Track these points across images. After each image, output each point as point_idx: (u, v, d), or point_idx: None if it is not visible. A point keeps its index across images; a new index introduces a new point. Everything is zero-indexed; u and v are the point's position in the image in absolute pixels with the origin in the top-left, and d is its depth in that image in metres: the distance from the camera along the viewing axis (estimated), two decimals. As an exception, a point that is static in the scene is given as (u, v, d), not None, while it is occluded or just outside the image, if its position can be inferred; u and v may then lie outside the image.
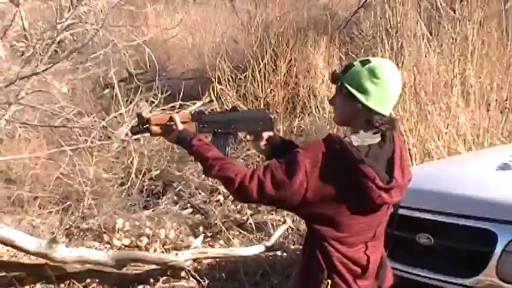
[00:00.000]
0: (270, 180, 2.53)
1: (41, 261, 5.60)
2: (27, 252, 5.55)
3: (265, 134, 2.99)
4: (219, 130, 2.92)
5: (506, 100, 7.52)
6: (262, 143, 2.99)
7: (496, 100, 7.40)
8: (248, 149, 8.25)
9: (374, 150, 2.58)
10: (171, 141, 2.89)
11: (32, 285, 5.62)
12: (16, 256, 5.91)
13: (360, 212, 2.59)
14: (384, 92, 2.58)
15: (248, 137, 3.05)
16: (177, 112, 3.03)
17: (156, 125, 2.85)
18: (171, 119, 2.84)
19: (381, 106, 2.59)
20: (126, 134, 7.62)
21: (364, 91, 2.58)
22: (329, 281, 2.59)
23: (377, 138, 2.61)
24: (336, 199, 2.54)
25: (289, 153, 2.61)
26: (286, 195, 2.53)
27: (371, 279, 2.69)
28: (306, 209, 2.59)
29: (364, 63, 2.62)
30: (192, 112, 2.94)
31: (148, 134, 2.94)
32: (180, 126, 2.82)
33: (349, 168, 2.52)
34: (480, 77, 7.65)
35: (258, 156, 8.18)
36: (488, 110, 7.25)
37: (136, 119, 2.90)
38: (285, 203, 2.60)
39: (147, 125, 2.85)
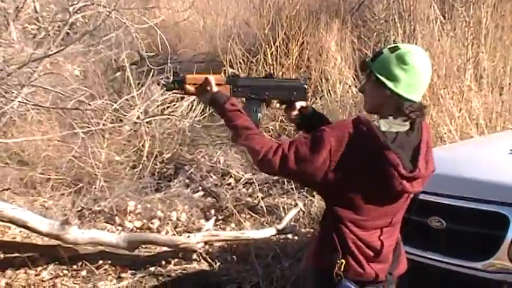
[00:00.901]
0: (293, 155, 2.54)
1: (54, 242, 5.65)
2: (39, 233, 5.60)
3: (298, 104, 2.98)
4: (253, 96, 2.93)
5: (520, 84, 7.47)
6: (295, 112, 3.00)
7: (510, 84, 7.35)
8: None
9: (401, 138, 2.58)
10: (204, 102, 2.91)
11: (44, 266, 5.67)
12: (29, 237, 5.95)
13: (380, 197, 2.60)
14: (413, 78, 2.58)
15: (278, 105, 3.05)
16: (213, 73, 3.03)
17: (191, 84, 2.86)
18: (206, 80, 2.84)
19: (410, 93, 2.59)
20: (138, 117, 7.64)
21: (393, 78, 2.58)
22: (343, 260, 2.60)
23: (405, 126, 2.61)
24: (358, 181, 2.55)
25: (317, 128, 2.61)
26: (308, 171, 2.54)
27: (385, 263, 2.70)
28: (326, 188, 2.60)
29: (393, 49, 2.62)
30: (227, 75, 2.94)
31: (183, 92, 2.93)
32: (215, 88, 2.82)
33: (373, 152, 2.52)
34: (493, 61, 7.61)
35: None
36: (501, 94, 7.21)
37: (171, 76, 2.90)
38: (306, 178, 2.61)
39: (182, 83, 2.86)
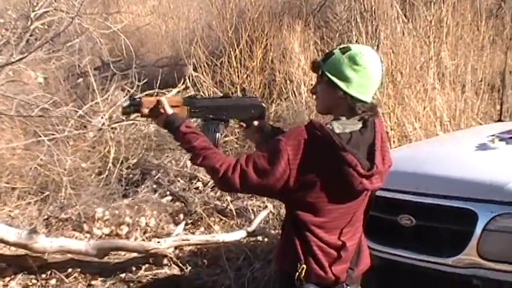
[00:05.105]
0: (252, 169, 2.53)
1: (22, 252, 5.57)
2: (6, 243, 5.51)
3: (256, 122, 2.99)
4: (211, 116, 2.90)
5: (481, 81, 7.60)
6: (253, 131, 3.00)
7: (471, 81, 7.47)
8: (225, 136, 8.25)
9: (355, 137, 2.59)
10: (158, 124, 2.86)
11: (12, 276, 5.58)
12: (-4, 247, 5.86)
13: (340, 198, 2.61)
14: (365, 79, 2.59)
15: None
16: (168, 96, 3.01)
17: (148, 107, 2.82)
18: (159, 102, 2.81)
19: (362, 93, 2.60)
20: (103, 124, 7.58)
21: (345, 79, 2.59)
22: (304, 266, 2.61)
23: (358, 125, 2.62)
24: (318, 186, 2.55)
25: (270, 142, 2.61)
26: (269, 184, 2.53)
27: (346, 263, 2.71)
28: (287, 195, 2.60)
29: (344, 50, 2.63)
30: (184, 96, 2.91)
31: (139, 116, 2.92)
32: (169, 110, 2.78)
33: (330, 155, 2.53)
34: (455, 59, 7.72)
35: (236, 143, 8.19)
36: (463, 92, 7.31)
37: (127, 100, 2.86)
38: (268, 191, 2.61)
39: (138, 107, 2.83)
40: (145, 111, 2.82)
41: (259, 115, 2.99)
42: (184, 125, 2.71)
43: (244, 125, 3.01)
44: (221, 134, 2.92)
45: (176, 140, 2.75)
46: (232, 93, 8.65)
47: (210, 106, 2.92)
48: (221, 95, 3.09)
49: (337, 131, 2.55)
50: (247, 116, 2.97)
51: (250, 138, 3.09)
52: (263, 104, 3.03)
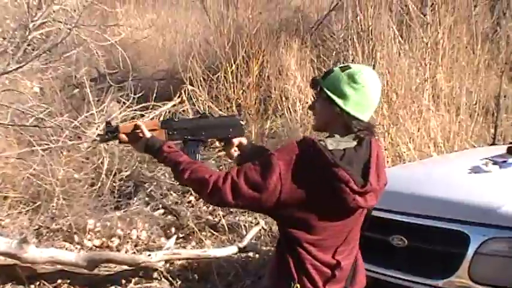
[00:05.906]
0: (244, 182, 2.51)
1: (11, 261, 5.53)
2: (-4, 252, 5.48)
3: (236, 140, 3.00)
4: (189, 137, 2.91)
5: (476, 104, 7.63)
6: (233, 149, 3.01)
7: (466, 104, 7.50)
8: (220, 150, 8.24)
9: (349, 154, 2.57)
10: (138, 149, 2.85)
11: (1, 286, 5.55)
12: (-15, 257, 5.82)
13: (334, 215, 2.59)
14: (363, 97, 2.60)
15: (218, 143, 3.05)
16: (146, 118, 3.02)
17: (125, 133, 2.83)
18: (136, 127, 2.82)
19: (359, 111, 2.60)
20: (98, 135, 7.57)
21: (343, 96, 2.59)
22: (298, 285, 2.59)
23: (352, 143, 2.61)
24: (310, 202, 2.53)
25: (262, 156, 2.60)
26: (260, 198, 2.51)
27: (341, 283, 2.69)
28: (279, 211, 2.58)
29: (343, 68, 2.64)
30: (161, 119, 2.92)
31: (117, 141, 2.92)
32: (148, 134, 2.80)
33: (322, 171, 2.51)
34: (450, 81, 7.76)
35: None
36: (457, 114, 7.35)
37: (104, 126, 2.87)
38: (259, 205, 2.56)
39: (116, 133, 2.83)
40: (123, 137, 2.83)
41: (238, 133, 3.00)
42: (166, 145, 2.72)
43: (223, 143, 3.02)
44: (201, 155, 2.91)
45: (160, 161, 2.75)
46: (227, 109, 8.69)
47: (188, 127, 2.93)
48: (199, 115, 3.07)
49: (330, 148, 2.54)
50: (226, 135, 2.99)
51: (230, 157, 3.08)
52: (241, 122, 3.05)
